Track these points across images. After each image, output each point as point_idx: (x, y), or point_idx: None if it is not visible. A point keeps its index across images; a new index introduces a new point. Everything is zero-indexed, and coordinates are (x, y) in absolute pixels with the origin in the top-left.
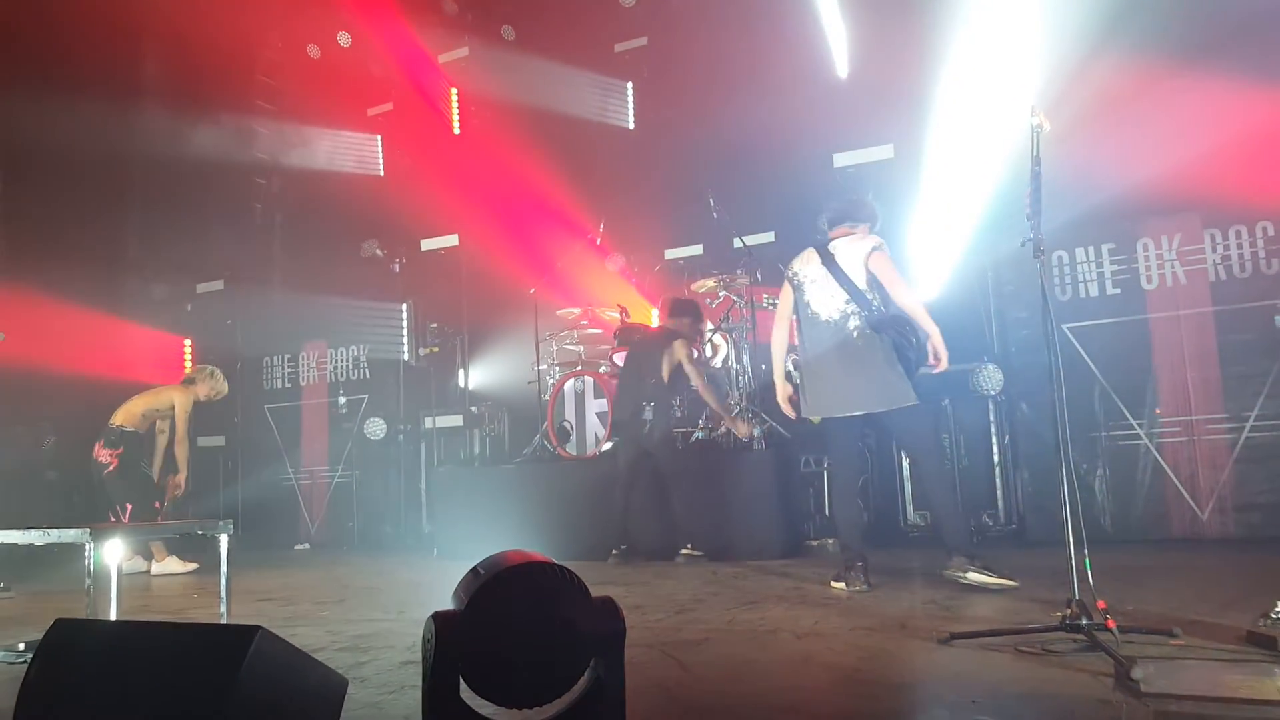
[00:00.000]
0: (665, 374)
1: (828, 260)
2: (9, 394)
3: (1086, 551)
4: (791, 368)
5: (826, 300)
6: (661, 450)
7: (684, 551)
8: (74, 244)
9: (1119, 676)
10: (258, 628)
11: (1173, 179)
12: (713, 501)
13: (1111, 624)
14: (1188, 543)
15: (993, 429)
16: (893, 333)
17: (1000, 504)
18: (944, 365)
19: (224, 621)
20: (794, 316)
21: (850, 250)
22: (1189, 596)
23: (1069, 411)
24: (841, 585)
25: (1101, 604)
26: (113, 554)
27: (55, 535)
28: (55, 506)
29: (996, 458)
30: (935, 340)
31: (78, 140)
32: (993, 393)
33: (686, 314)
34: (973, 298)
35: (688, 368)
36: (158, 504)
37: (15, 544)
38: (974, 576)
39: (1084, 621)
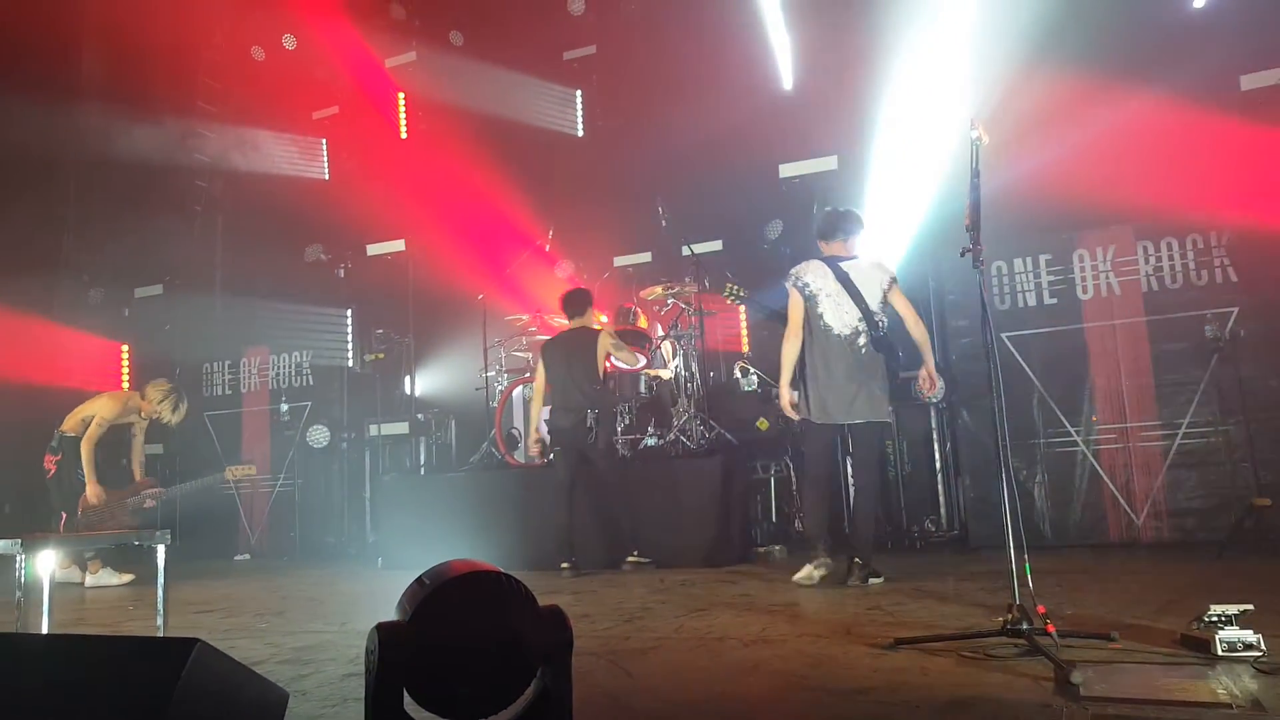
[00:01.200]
0: (600, 374)
1: (842, 278)
2: None
3: (1026, 556)
4: (739, 374)
5: (840, 315)
6: (604, 459)
7: (630, 559)
8: (8, 246)
9: (1059, 680)
10: (195, 640)
11: (1106, 191)
12: (662, 509)
13: (1051, 628)
14: (1124, 547)
15: (935, 436)
16: (887, 353)
17: (942, 510)
18: (937, 392)
19: (161, 634)
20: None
21: (869, 275)
22: (1126, 600)
23: (1008, 419)
24: (805, 573)
25: (1041, 609)
26: (44, 565)
27: None
28: None
29: (939, 464)
30: (930, 369)
31: (13, 139)
32: (934, 400)
33: (587, 304)
34: (915, 306)
35: (617, 355)
36: (64, 515)
37: None
38: (874, 581)
39: (1024, 626)
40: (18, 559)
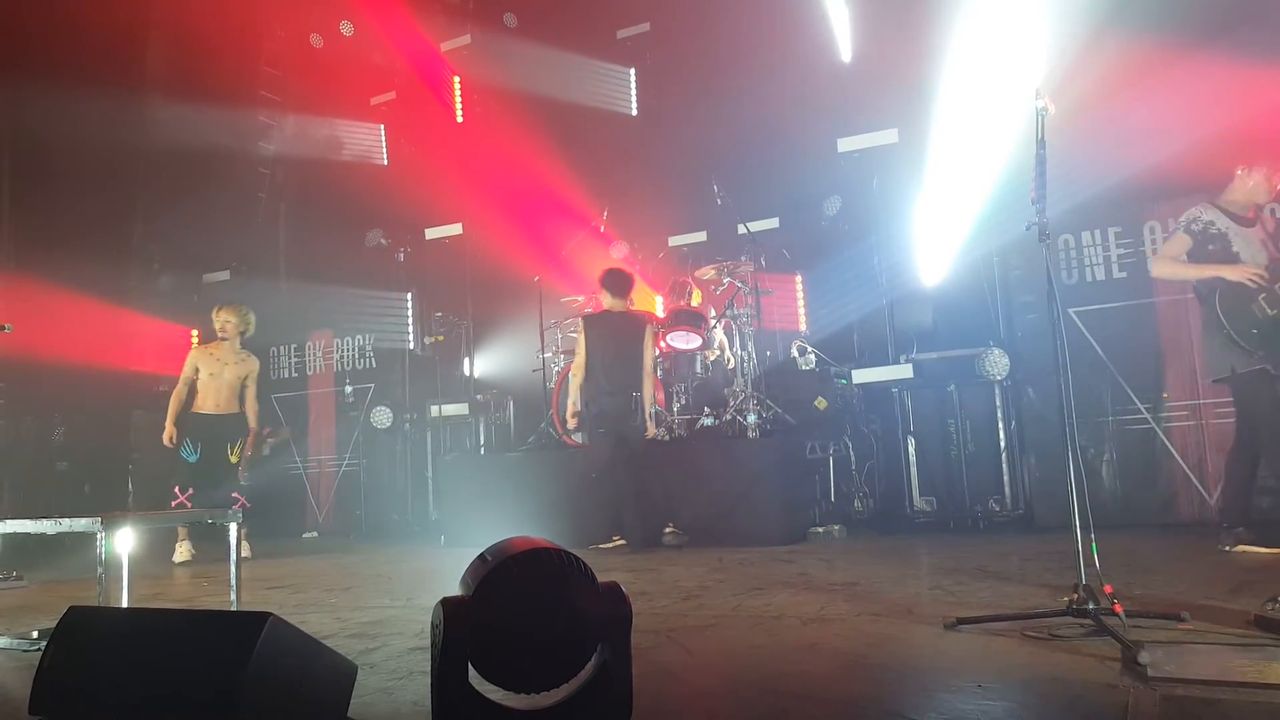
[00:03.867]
0: (648, 360)
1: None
2: (19, 385)
3: (1094, 536)
4: (796, 353)
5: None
6: (638, 439)
7: (667, 531)
8: (81, 235)
9: (1126, 661)
10: (268, 614)
11: (1180, 162)
12: (719, 489)
13: (1119, 608)
14: (1196, 527)
15: (999, 414)
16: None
17: (1007, 489)
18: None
19: (234, 609)
20: None
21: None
22: (1197, 581)
23: (1076, 396)
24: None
25: (1108, 588)
26: (123, 542)
27: (67, 524)
28: (67, 496)
29: (1003, 443)
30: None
31: (84, 132)
32: (999, 378)
33: (629, 286)
34: (979, 283)
35: (650, 355)
36: (175, 487)
37: (29, 533)
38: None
39: (1090, 606)
40: (99, 536)
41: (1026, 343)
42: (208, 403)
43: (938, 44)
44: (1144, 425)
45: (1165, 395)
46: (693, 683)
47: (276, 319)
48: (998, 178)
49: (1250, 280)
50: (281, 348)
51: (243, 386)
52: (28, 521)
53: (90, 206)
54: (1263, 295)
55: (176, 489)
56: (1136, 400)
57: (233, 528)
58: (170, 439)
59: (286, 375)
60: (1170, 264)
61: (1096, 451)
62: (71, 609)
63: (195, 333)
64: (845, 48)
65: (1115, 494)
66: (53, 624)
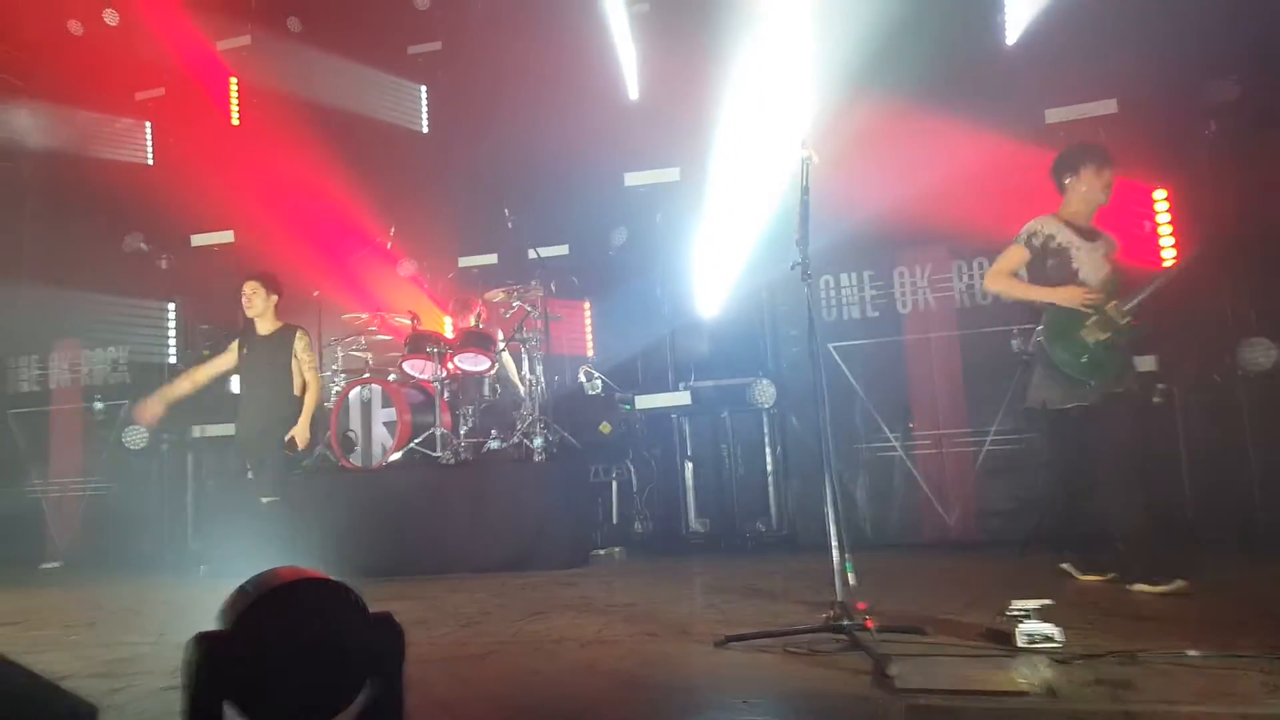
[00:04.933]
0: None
1: None
2: None
3: (849, 555)
4: (583, 378)
5: None
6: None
7: None
8: None
9: (876, 674)
10: None
11: (925, 212)
12: (503, 512)
13: (870, 624)
14: (938, 546)
15: (766, 440)
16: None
17: (773, 511)
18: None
19: None
20: None
21: None
22: (938, 596)
23: (833, 425)
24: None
25: (861, 605)
26: None
27: None
28: None
29: (770, 468)
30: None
31: None
32: (766, 406)
33: None
34: (750, 316)
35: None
36: None
37: None
38: None
39: (846, 622)
40: None
41: (791, 373)
42: None
43: (718, 89)
44: (893, 452)
45: (911, 425)
46: (467, 714)
47: (16, 326)
48: (769, 216)
49: (1083, 305)
50: (22, 359)
51: None
52: None
53: None
54: (1094, 319)
55: None
56: (886, 429)
57: None
58: None
59: (26, 389)
60: (1004, 279)
61: (851, 476)
62: None
63: None
64: (633, 86)
65: (868, 516)
66: None
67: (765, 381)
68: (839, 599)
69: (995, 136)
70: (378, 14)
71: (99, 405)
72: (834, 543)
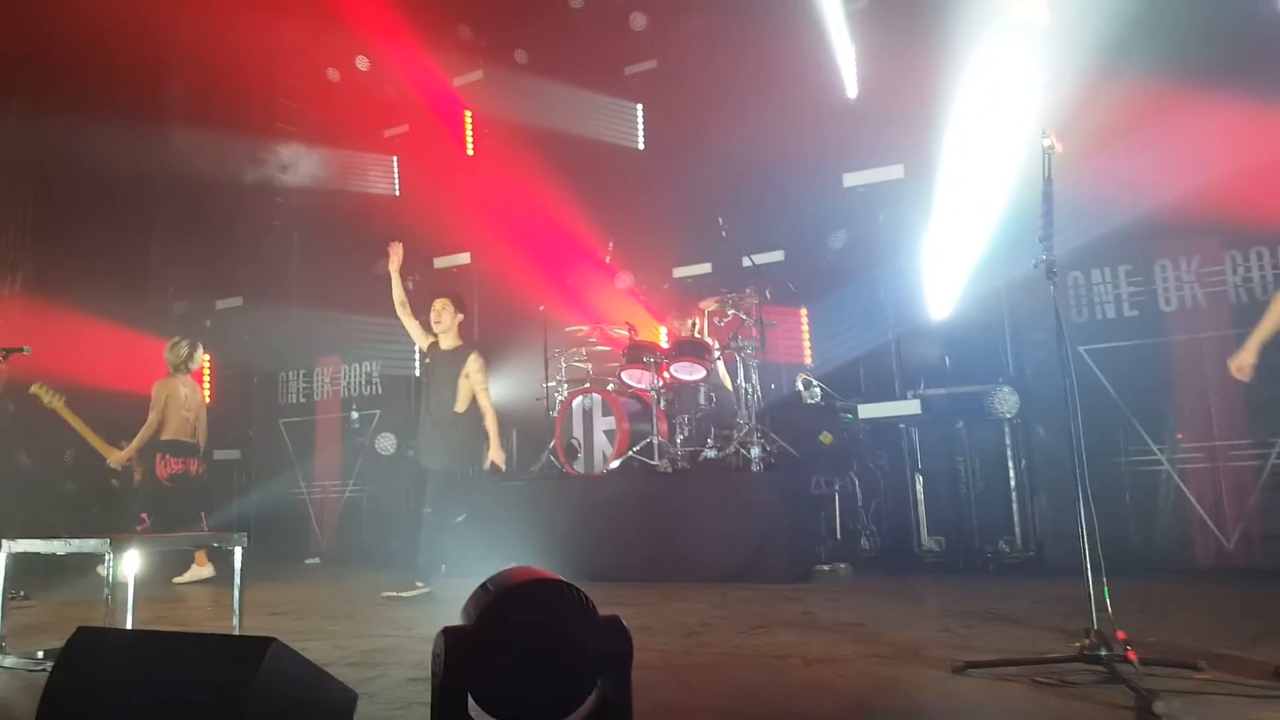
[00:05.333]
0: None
1: None
2: (33, 407)
3: (1105, 580)
4: (801, 387)
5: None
6: None
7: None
8: (99, 260)
9: (1140, 710)
10: (271, 639)
11: (1190, 200)
12: (721, 523)
13: (1132, 655)
14: (1213, 572)
15: (1009, 452)
16: None
17: (1017, 530)
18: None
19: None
20: None
21: None
22: (1215, 629)
23: (1087, 435)
24: None
25: (1122, 635)
26: (130, 564)
27: (76, 545)
28: (73, 517)
29: (1013, 482)
30: None
31: (105, 160)
32: (1008, 415)
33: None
34: (987, 319)
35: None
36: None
37: (37, 554)
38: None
39: (1103, 652)
40: (106, 558)
41: (1036, 380)
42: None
43: (943, 81)
44: (1158, 466)
45: (1179, 436)
46: None
47: (286, 345)
48: (1005, 214)
49: None
50: (290, 373)
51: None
52: (38, 542)
53: (110, 233)
54: None
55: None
56: (1150, 441)
57: (238, 551)
58: (120, 462)
59: (294, 400)
60: None
61: (1108, 492)
62: (80, 630)
63: (206, 357)
64: (851, 84)
65: (1129, 537)
66: (58, 644)
67: (1007, 389)
68: (1094, 626)
69: (1271, 110)
70: (596, 39)
71: (355, 415)
72: (1088, 565)
